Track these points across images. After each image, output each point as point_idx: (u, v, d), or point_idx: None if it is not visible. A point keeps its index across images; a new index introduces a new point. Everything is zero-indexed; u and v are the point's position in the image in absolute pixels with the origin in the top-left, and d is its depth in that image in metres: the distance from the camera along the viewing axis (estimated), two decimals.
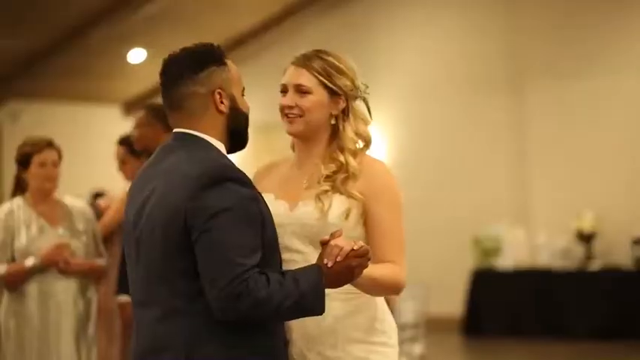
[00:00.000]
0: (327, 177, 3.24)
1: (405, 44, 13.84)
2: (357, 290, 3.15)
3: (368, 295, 3.22)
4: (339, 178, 3.22)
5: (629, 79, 12.01)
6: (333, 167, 3.25)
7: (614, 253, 11.89)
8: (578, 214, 11.88)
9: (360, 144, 3.33)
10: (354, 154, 3.27)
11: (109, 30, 12.93)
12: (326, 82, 3.25)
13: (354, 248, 2.89)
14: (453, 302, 12.41)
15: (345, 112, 3.30)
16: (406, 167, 12.34)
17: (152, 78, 14.46)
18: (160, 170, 2.91)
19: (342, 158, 3.25)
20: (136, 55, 13.90)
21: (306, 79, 3.25)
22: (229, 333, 2.81)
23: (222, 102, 2.94)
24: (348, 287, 3.06)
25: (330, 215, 3.19)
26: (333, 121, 3.29)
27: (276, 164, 3.45)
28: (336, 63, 3.28)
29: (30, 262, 5.30)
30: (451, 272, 12.59)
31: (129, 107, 15.46)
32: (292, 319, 2.99)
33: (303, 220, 3.20)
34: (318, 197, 3.21)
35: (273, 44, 14.28)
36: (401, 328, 6.40)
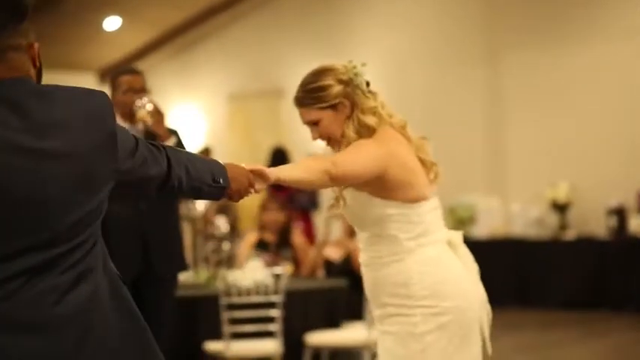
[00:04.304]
0: None
1: (381, 20, 13.80)
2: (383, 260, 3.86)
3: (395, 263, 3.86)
4: None
5: (603, 49, 12.02)
6: None
7: (588, 222, 11.94)
8: (553, 184, 11.92)
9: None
10: (355, 140, 3.74)
11: None
12: (322, 105, 3.72)
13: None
14: None
15: (355, 106, 3.78)
16: None
17: (128, 45, 14.49)
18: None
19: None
20: (112, 23, 13.87)
21: (308, 114, 3.75)
22: None
23: (38, 56, 2.67)
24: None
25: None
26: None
27: None
28: (318, 84, 3.72)
29: None
30: None
31: (104, 74, 15.43)
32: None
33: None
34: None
35: (247, 14, 14.19)
36: None
